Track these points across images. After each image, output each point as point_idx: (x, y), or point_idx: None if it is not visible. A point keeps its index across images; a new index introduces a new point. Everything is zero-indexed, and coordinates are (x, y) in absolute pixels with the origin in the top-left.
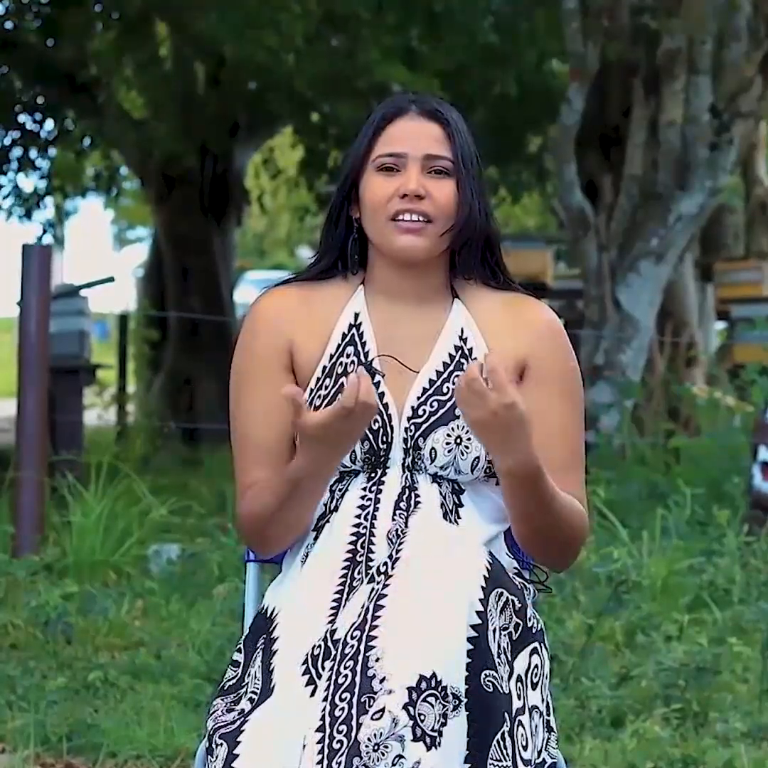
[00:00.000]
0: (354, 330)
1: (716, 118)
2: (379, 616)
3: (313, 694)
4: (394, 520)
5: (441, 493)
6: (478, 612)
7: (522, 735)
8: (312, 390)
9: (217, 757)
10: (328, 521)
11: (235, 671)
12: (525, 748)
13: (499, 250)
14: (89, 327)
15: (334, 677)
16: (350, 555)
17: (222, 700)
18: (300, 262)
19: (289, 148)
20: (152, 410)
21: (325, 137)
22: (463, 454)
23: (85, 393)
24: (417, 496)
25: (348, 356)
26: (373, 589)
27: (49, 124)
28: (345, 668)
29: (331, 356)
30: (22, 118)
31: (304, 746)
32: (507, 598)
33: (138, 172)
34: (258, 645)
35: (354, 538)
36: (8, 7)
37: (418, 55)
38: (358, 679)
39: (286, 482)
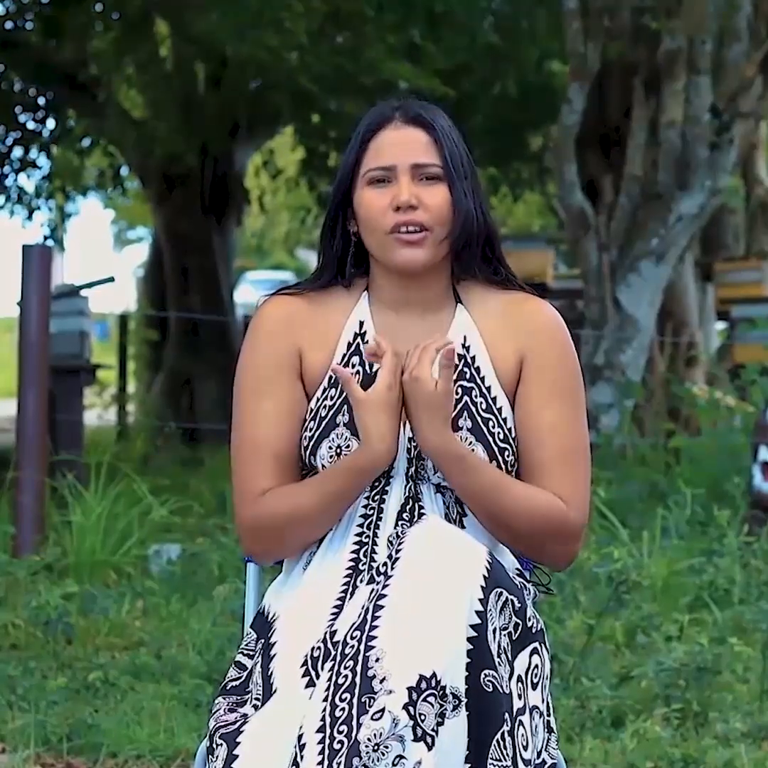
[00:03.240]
0: (359, 339)
1: (716, 118)
2: (378, 617)
3: (312, 695)
4: (396, 529)
5: (445, 503)
6: (477, 612)
7: (522, 735)
8: (318, 399)
9: (217, 757)
10: (331, 529)
11: (238, 672)
12: (525, 748)
13: (499, 246)
14: (89, 327)
15: (334, 678)
16: (353, 564)
17: (224, 699)
18: (299, 262)
19: (289, 149)
20: (152, 410)
21: (325, 138)
22: None
23: (85, 393)
24: (421, 507)
25: (353, 366)
26: (372, 589)
27: (50, 123)
28: (345, 668)
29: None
30: (23, 118)
31: (303, 746)
32: (506, 598)
33: (138, 171)
34: (258, 648)
35: (357, 547)
36: (8, 7)
37: (421, 52)
38: (358, 679)
39: (338, 477)
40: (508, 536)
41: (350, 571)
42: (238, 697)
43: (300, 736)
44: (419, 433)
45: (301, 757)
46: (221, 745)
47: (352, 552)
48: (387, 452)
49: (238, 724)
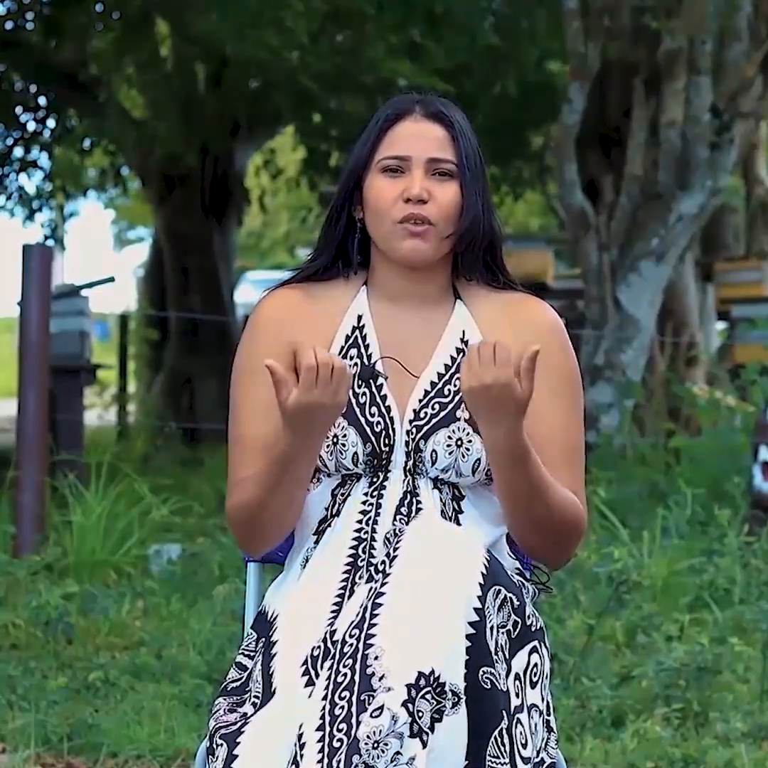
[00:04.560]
0: (357, 332)
1: (717, 118)
2: (377, 615)
3: (312, 694)
4: (394, 525)
5: (441, 500)
6: (476, 609)
7: (521, 733)
8: None
9: (217, 757)
10: (329, 525)
11: (239, 673)
12: (524, 746)
13: (501, 253)
14: (90, 327)
15: (333, 676)
16: (352, 559)
17: (224, 699)
18: (299, 262)
19: (289, 148)
20: (152, 410)
21: (326, 138)
22: (463, 456)
23: (85, 393)
24: (418, 502)
25: (351, 359)
26: (371, 587)
27: (51, 123)
28: (344, 667)
29: None
30: (23, 117)
31: (303, 745)
32: (505, 595)
33: (138, 171)
34: (258, 648)
35: (356, 542)
36: (9, 7)
37: (421, 51)
38: (357, 677)
39: (272, 466)
40: (541, 533)
41: (349, 567)
42: (239, 698)
43: (300, 736)
44: (498, 434)
45: (301, 756)
46: (221, 745)
47: (351, 548)
48: (304, 453)
49: (239, 724)
